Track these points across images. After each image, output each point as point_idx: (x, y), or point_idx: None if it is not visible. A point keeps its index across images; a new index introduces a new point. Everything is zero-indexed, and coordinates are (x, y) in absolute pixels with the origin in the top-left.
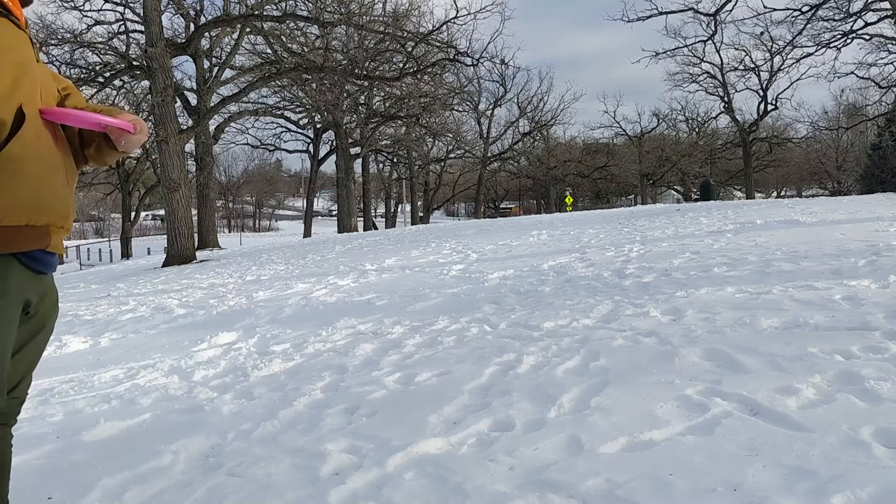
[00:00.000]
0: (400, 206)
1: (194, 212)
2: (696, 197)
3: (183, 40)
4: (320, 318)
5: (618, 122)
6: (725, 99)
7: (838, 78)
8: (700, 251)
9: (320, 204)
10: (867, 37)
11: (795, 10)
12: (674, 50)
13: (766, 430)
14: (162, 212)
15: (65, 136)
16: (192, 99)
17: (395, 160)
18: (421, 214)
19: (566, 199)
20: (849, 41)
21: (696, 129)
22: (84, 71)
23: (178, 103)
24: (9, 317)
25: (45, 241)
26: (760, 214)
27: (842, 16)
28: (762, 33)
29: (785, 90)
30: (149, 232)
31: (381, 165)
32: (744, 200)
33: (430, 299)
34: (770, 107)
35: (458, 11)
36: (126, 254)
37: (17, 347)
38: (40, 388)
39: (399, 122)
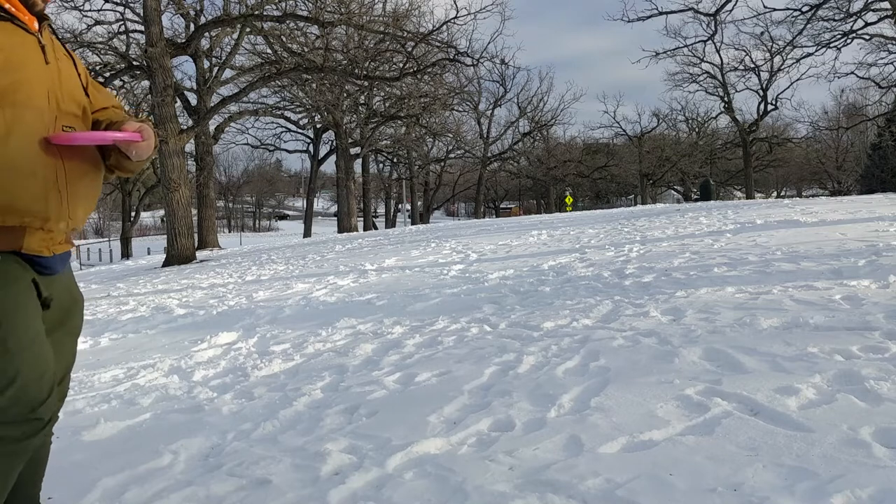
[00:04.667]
0: (400, 205)
1: (194, 212)
2: (696, 197)
3: (183, 40)
4: (320, 318)
5: (618, 122)
6: (725, 99)
7: (838, 78)
8: (700, 251)
9: (319, 204)
10: (867, 37)
11: (795, 10)
12: (674, 50)
13: (766, 430)
14: (152, 213)
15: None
16: (192, 99)
17: (395, 160)
18: (421, 214)
19: (566, 199)
20: (849, 41)
21: (696, 129)
22: None
23: (178, 103)
24: (14, 304)
25: (18, 243)
26: (760, 214)
27: (842, 16)
28: (762, 33)
29: (785, 90)
30: (149, 232)
31: (381, 165)
32: (744, 200)
33: (430, 299)
34: (770, 107)
35: (458, 11)
36: (126, 254)
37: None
38: None
39: (399, 122)
